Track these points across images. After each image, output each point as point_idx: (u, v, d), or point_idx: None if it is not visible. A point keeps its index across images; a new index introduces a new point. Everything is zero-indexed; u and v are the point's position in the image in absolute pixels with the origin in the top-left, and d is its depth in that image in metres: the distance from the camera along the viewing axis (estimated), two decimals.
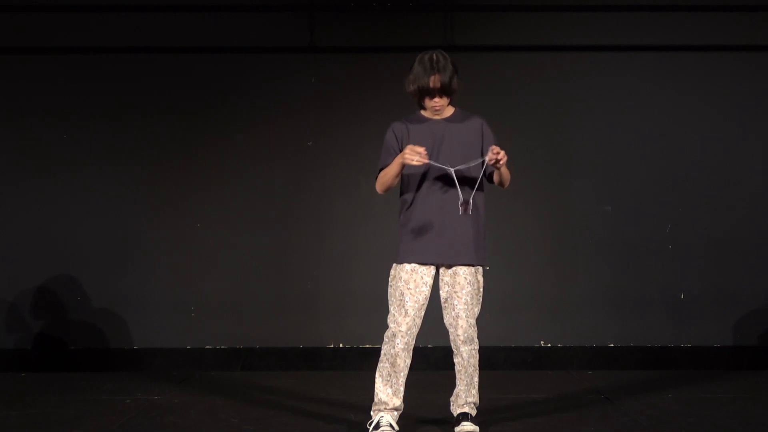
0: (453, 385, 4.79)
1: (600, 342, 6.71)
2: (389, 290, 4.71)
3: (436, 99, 4.59)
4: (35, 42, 6.74)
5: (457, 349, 4.70)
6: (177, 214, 6.74)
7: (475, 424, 4.68)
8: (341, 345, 6.73)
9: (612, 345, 6.71)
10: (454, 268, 4.65)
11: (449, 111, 4.72)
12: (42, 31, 6.74)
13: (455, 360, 4.73)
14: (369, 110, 6.74)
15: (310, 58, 6.73)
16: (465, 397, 4.73)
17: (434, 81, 4.54)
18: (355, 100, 6.78)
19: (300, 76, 6.76)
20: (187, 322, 6.71)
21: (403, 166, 4.56)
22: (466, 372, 4.70)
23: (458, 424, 4.69)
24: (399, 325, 4.63)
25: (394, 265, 4.70)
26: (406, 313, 4.63)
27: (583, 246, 6.73)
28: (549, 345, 6.72)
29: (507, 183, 4.76)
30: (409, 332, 4.64)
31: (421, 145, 4.51)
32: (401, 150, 4.59)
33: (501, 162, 4.49)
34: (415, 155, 4.43)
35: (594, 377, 6.35)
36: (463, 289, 4.64)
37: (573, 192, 6.77)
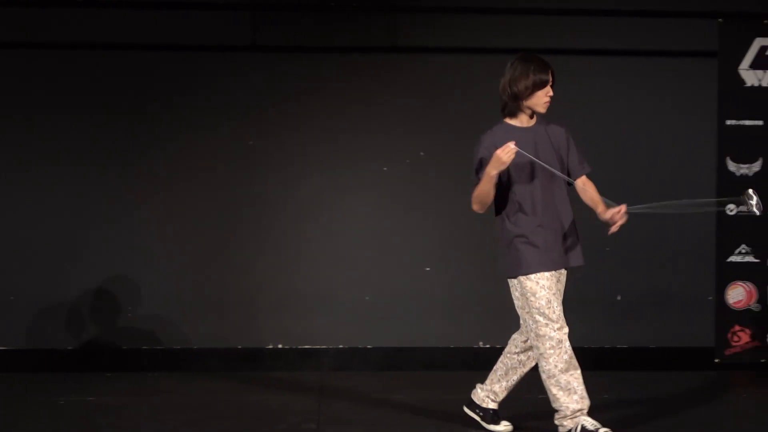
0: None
1: None
2: (530, 303, 4.62)
3: (551, 92, 4.67)
4: None
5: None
6: (115, 213, 6.65)
7: None
8: (280, 346, 6.70)
9: None
10: (560, 271, 4.72)
11: (534, 119, 4.76)
12: None
13: (524, 355, 4.83)
14: (312, 111, 6.71)
15: (252, 57, 6.69)
16: (507, 393, 5.01)
17: (551, 74, 4.66)
18: (298, 101, 6.75)
19: (242, 75, 6.71)
20: (125, 323, 6.62)
21: (495, 175, 4.53)
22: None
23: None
24: (562, 329, 4.62)
25: (528, 277, 4.61)
26: (559, 316, 4.63)
27: None
28: (488, 346, 6.75)
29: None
30: (567, 333, 4.65)
31: (521, 155, 4.55)
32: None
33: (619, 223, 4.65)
34: (506, 154, 4.42)
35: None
36: (564, 292, 4.78)
37: None
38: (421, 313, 6.69)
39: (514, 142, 4.46)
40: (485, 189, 4.60)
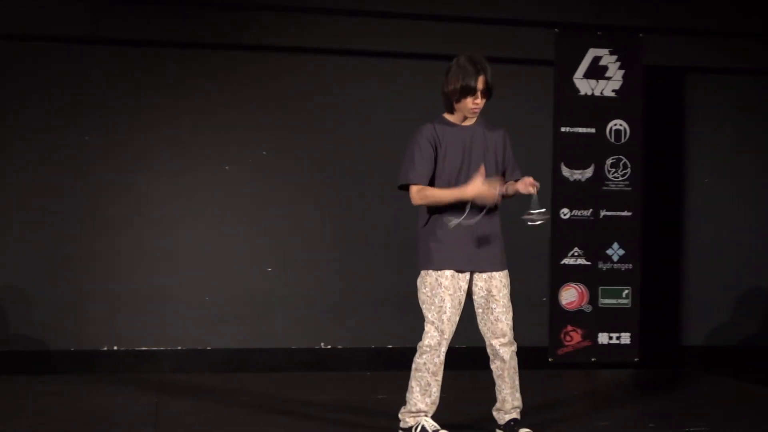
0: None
1: (379, 343, 6.84)
2: (425, 297, 4.62)
3: (479, 100, 4.60)
4: None
5: (495, 353, 4.69)
6: None
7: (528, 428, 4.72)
8: (116, 347, 6.55)
9: (390, 346, 6.85)
10: (489, 273, 4.67)
11: (471, 119, 4.71)
12: None
13: (494, 365, 4.72)
14: (153, 106, 6.62)
15: (92, 49, 6.53)
16: (512, 401, 4.73)
17: (481, 81, 4.56)
18: (138, 96, 6.62)
19: (81, 68, 6.53)
20: None
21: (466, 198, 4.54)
22: (509, 375, 4.70)
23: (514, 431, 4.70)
24: (443, 333, 4.59)
25: (429, 271, 4.61)
26: (449, 319, 4.59)
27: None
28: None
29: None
30: (449, 339, 4.62)
31: (452, 150, 4.57)
32: (436, 155, 4.59)
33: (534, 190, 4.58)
34: (492, 196, 4.49)
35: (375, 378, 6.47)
36: (500, 292, 4.68)
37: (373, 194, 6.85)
38: (262, 314, 6.68)
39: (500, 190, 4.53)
40: (444, 199, 4.58)
